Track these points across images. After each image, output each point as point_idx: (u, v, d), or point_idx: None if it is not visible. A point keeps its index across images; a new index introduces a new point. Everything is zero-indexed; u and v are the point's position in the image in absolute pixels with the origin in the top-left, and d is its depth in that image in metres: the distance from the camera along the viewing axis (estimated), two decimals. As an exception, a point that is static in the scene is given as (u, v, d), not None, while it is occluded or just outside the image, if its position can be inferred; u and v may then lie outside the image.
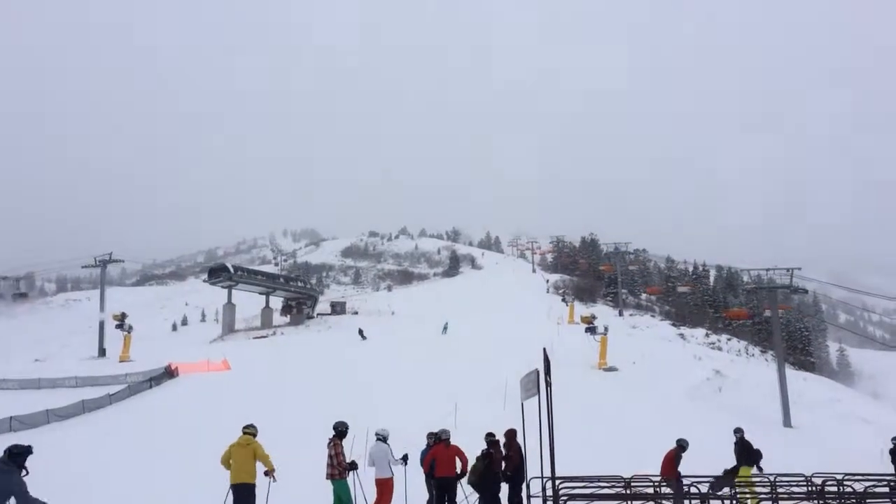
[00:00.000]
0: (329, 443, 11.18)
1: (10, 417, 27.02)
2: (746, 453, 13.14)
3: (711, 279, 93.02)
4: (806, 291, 37.05)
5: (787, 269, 35.49)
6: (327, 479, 11.11)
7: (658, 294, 75.92)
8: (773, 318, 37.36)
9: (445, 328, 53.11)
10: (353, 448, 13.57)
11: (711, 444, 22.16)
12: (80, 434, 26.14)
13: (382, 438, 11.63)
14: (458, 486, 11.80)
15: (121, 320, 52.25)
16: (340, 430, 11.29)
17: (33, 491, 7.92)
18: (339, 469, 10.96)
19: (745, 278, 69.72)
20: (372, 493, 11.47)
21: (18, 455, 7.85)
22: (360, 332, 52.39)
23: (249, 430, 10.94)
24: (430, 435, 12.43)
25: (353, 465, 11.28)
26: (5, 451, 7.85)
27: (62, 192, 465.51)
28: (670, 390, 33.55)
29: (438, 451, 11.46)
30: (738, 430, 13.53)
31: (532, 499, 13.18)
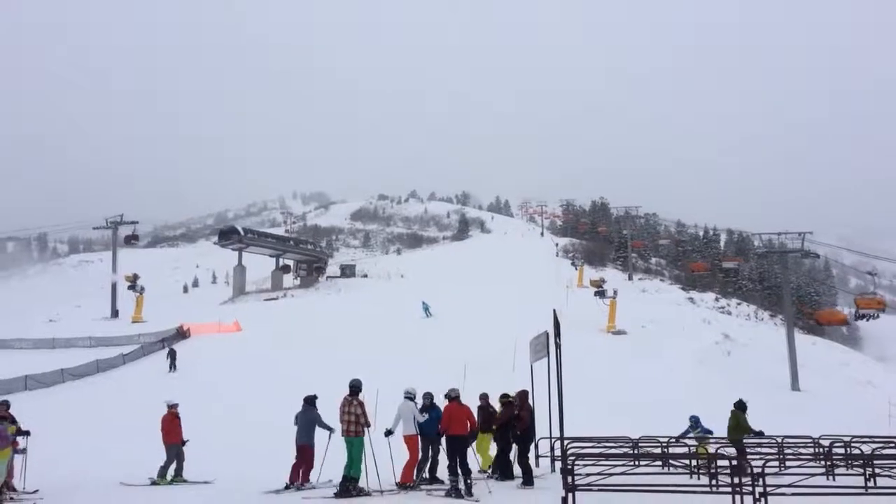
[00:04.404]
0: (348, 401, 11.20)
1: (26, 376, 27.45)
2: (486, 421, 12.74)
3: (722, 243, 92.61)
4: (818, 256, 36.81)
5: (799, 234, 35.20)
6: (344, 436, 11.17)
7: (705, 271, 71.15)
8: (784, 282, 37.21)
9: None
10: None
11: (719, 407, 22.29)
12: (94, 392, 26.59)
13: (410, 396, 11.69)
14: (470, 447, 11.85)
15: (133, 282, 52.73)
16: (357, 387, 11.37)
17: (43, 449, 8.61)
18: (363, 427, 11.06)
19: (757, 242, 69.25)
20: (380, 453, 11.55)
21: (313, 399, 12.11)
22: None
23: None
24: (425, 395, 12.27)
25: (388, 432, 11.49)
26: (305, 398, 12.06)
27: (76, 155, 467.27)
28: (679, 354, 33.60)
29: (452, 410, 11.50)
30: (483, 396, 12.97)
31: (540, 458, 13.34)
